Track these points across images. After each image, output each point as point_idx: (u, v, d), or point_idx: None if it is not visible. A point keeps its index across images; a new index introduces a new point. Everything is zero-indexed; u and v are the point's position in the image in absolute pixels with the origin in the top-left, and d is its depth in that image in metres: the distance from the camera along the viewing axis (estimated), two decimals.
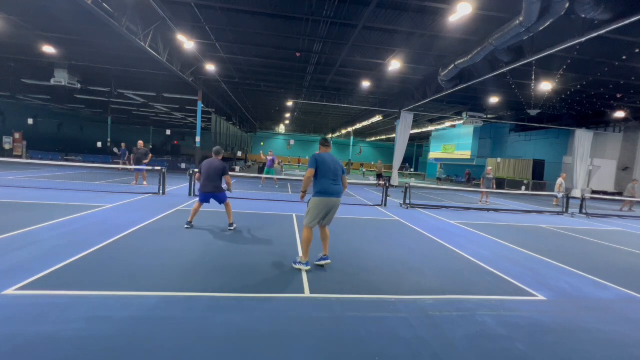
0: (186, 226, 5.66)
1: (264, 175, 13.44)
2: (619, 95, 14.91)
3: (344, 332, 2.69)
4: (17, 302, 2.81)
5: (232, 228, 5.80)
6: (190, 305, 2.95)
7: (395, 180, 19.06)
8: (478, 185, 14.63)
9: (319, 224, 4.22)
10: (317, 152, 4.22)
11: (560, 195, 13.21)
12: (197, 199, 5.81)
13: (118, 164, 11.47)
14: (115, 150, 11.76)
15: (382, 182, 12.98)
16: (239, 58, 14.00)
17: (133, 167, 11.31)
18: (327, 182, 4.06)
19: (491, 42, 8.44)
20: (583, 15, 6.63)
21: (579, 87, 13.93)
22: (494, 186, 12.95)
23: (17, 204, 6.79)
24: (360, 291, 3.53)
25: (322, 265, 4.18)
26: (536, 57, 8.90)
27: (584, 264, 5.19)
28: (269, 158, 14.18)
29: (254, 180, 16.31)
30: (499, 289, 3.90)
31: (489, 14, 8.30)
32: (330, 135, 47.10)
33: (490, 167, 12.90)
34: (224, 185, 5.84)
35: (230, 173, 14.56)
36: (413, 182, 17.30)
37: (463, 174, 29.24)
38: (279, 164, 35.37)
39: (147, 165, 11.36)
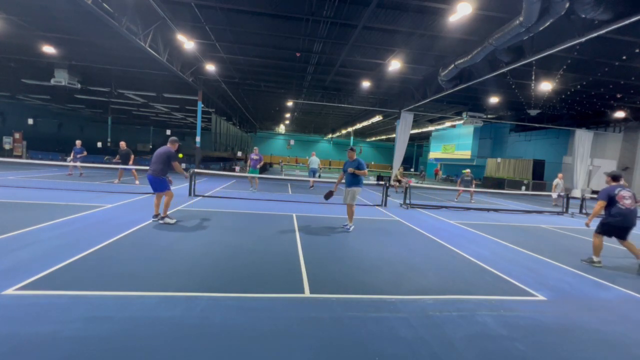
0: (152, 219, 6.03)
1: (249, 175, 11.99)
2: (619, 95, 14.90)
3: (344, 332, 2.69)
4: (17, 302, 2.81)
5: (157, 219, 6.02)
6: (190, 305, 2.95)
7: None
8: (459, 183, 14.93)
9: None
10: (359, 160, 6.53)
11: (555, 195, 13.25)
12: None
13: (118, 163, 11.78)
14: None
15: (400, 185, 14.28)
16: (239, 58, 14.00)
17: (119, 166, 11.67)
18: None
19: (491, 42, 8.43)
20: (583, 15, 6.61)
21: (579, 87, 13.92)
22: (473, 186, 13.30)
23: (17, 204, 6.79)
24: (360, 291, 3.53)
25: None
26: (536, 57, 8.89)
27: (584, 264, 5.19)
28: (255, 157, 12.06)
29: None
30: (499, 289, 3.90)
31: (489, 14, 8.30)
32: (330, 135, 47.13)
33: (468, 170, 13.34)
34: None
35: (230, 173, 14.74)
36: (413, 182, 17.35)
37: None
38: (278, 163, 35.46)
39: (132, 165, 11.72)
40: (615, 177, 5.34)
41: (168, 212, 6.12)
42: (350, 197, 6.41)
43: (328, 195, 6.81)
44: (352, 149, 6.54)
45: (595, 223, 5.43)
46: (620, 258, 5.76)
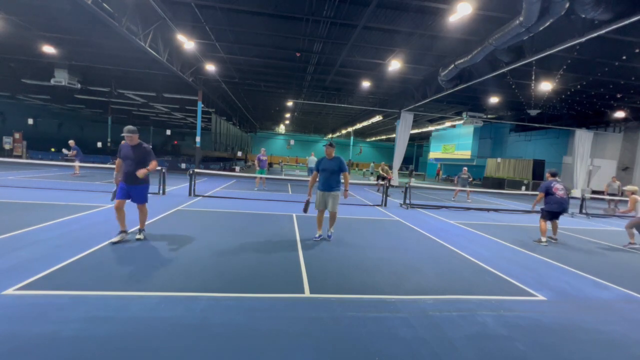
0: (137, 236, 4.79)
1: (258, 176, 12.53)
2: (619, 95, 14.91)
3: (344, 332, 2.69)
4: (17, 302, 2.81)
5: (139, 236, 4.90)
6: (190, 305, 2.95)
7: (395, 180, 19.07)
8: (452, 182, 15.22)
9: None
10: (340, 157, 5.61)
11: None
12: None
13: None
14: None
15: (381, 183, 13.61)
16: (239, 58, 14.00)
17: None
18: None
19: (491, 42, 8.43)
20: (583, 15, 6.62)
21: (579, 87, 13.93)
22: (471, 183, 13.92)
23: (17, 204, 6.79)
24: (360, 291, 3.53)
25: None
26: (536, 57, 8.90)
27: (584, 264, 5.19)
28: (263, 158, 12.98)
29: (253, 180, 16.30)
30: (499, 289, 3.90)
31: (489, 14, 8.30)
32: (330, 135, 47.09)
33: (465, 168, 13.75)
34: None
35: (230, 173, 14.74)
36: (413, 182, 17.37)
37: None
38: (278, 163, 35.52)
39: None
40: (553, 174, 6.68)
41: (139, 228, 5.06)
42: (332, 204, 5.43)
43: (307, 207, 5.67)
44: (331, 145, 5.55)
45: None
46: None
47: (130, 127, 4.64)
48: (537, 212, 11.67)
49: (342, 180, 5.70)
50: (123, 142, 4.73)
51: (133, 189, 4.70)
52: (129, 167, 4.61)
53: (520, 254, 5.61)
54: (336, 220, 5.73)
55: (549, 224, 6.62)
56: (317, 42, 11.54)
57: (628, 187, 6.90)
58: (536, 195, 6.84)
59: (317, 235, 5.61)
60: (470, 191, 14.11)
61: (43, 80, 17.00)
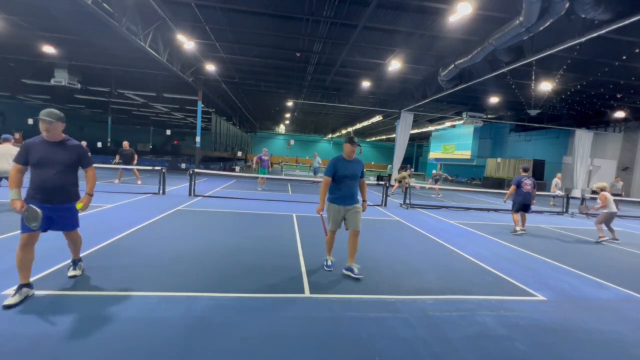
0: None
1: (260, 176, 12.45)
2: (619, 95, 14.90)
3: (344, 332, 2.69)
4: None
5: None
6: (190, 305, 2.95)
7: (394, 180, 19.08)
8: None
9: None
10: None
11: (554, 194, 13.29)
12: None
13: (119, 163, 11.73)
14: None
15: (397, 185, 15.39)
16: (239, 58, 14.00)
17: (122, 166, 11.60)
18: None
19: (491, 42, 8.43)
20: (583, 15, 6.62)
21: (579, 87, 13.92)
22: (448, 179, 16.27)
23: None
24: (360, 291, 3.53)
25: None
26: (536, 57, 8.90)
27: (584, 264, 5.19)
28: (265, 158, 13.07)
29: (254, 180, 16.30)
30: (499, 289, 3.90)
31: (489, 14, 8.29)
32: (330, 135, 47.12)
33: (434, 171, 15.39)
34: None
35: (230, 173, 14.77)
36: (413, 182, 17.38)
37: (463, 174, 29.46)
38: (278, 163, 35.57)
39: (136, 165, 11.75)
40: (525, 169, 7.55)
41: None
42: (357, 221, 3.97)
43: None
44: (353, 141, 3.94)
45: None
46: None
47: (51, 110, 2.92)
48: (537, 211, 11.70)
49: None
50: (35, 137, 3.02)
51: (58, 211, 3.06)
52: (52, 177, 2.99)
53: (520, 253, 5.61)
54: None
55: (519, 215, 7.44)
56: (317, 42, 11.53)
57: (597, 185, 7.19)
58: (537, 195, 7.08)
59: (329, 264, 4.14)
60: (441, 188, 15.55)
61: (43, 80, 17.00)
